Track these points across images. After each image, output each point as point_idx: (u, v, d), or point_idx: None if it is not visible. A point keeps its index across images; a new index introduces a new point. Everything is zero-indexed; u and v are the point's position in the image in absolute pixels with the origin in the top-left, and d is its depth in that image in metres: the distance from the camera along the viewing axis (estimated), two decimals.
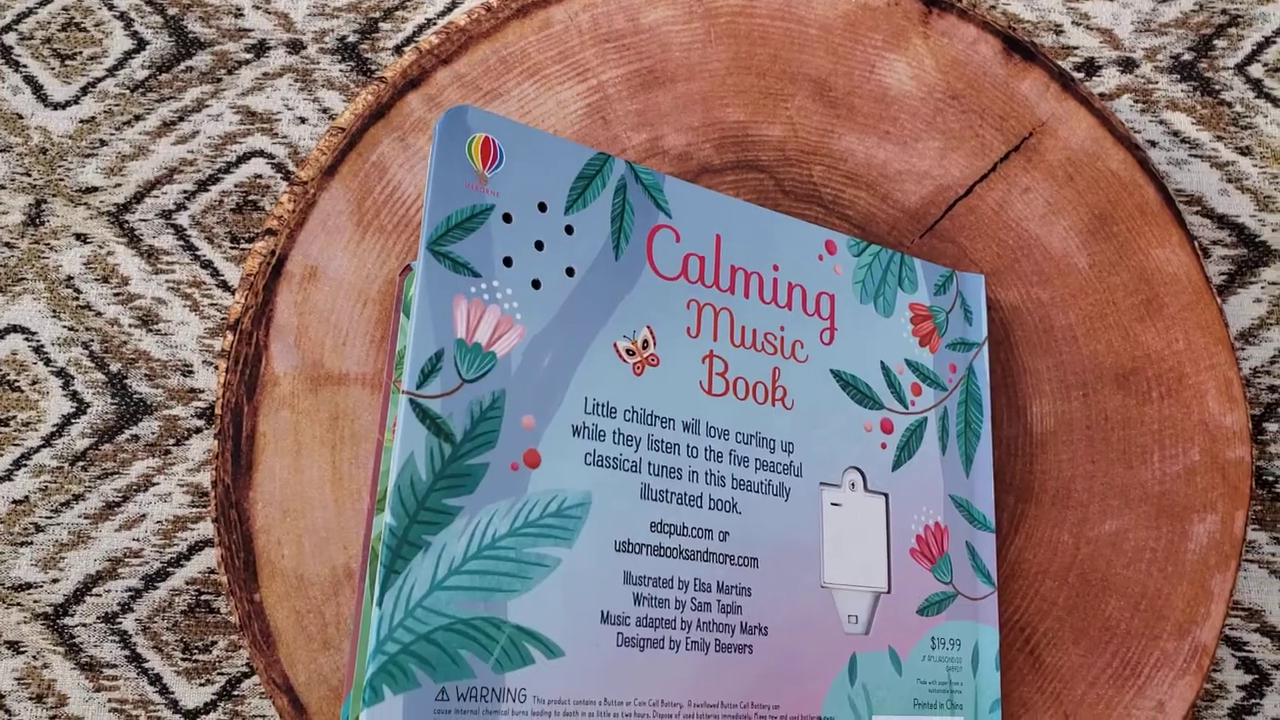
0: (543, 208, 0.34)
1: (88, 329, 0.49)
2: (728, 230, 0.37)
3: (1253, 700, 0.44)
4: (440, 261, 0.31)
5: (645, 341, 0.34)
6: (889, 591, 0.37)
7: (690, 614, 0.33)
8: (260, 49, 0.52)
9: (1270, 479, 0.46)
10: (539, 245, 0.33)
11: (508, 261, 0.33)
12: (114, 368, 0.49)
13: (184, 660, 0.46)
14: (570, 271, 0.34)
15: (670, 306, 0.35)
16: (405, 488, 0.29)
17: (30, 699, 0.45)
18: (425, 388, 0.30)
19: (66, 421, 0.48)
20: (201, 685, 0.46)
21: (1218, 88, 0.50)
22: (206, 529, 0.48)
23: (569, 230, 0.34)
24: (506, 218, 0.33)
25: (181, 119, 0.51)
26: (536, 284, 0.33)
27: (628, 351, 0.34)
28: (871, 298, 0.39)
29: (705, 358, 0.35)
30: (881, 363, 0.39)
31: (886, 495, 0.37)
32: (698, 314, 0.36)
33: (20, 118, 0.51)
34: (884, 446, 0.38)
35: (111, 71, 0.52)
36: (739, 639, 0.34)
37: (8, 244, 0.50)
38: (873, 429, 0.38)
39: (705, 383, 0.35)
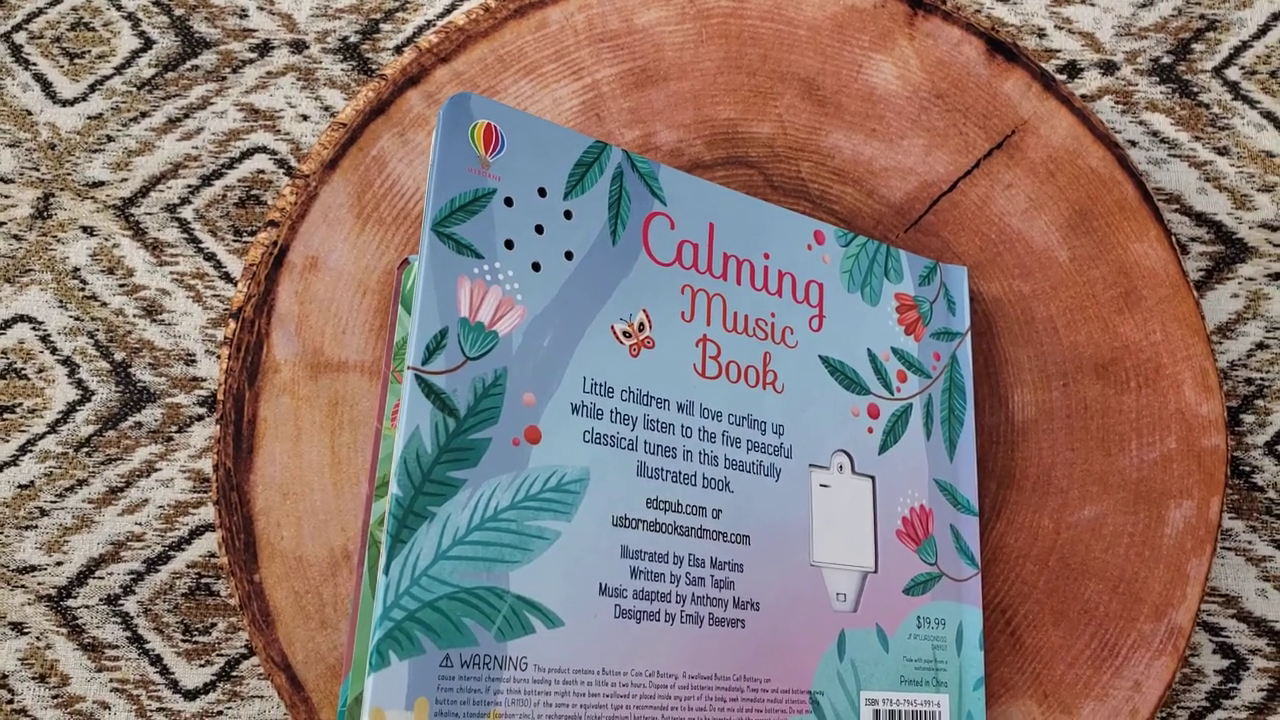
0: (542, 193, 0.35)
1: (93, 319, 0.50)
2: (720, 219, 0.38)
3: (1230, 685, 0.44)
4: (444, 242, 0.32)
5: (641, 324, 0.36)
6: (876, 571, 0.38)
7: (685, 588, 0.34)
8: (264, 49, 0.53)
9: (1246, 469, 0.47)
10: (539, 229, 0.34)
11: (509, 244, 0.34)
12: (118, 356, 0.50)
13: (184, 641, 0.47)
14: (569, 255, 0.35)
15: (665, 291, 0.36)
16: (411, 460, 0.30)
17: (33, 679, 0.46)
18: (430, 364, 0.31)
19: (72, 409, 0.49)
20: (201, 666, 0.47)
21: (1196, 90, 0.51)
22: (207, 514, 0.49)
23: (568, 215, 0.35)
24: (508, 202, 0.34)
25: (187, 116, 0.52)
26: (536, 266, 0.34)
27: (624, 334, 0.35)
28: (859, 287, 0.40)
29: (699, 341, 0.37)
30: (868, 350, 0.40)
31: (873, 478, 0.38)
32: (691, 299, 0.37)
33: (30, 114, 0.53)
34: (870, 431, 0.39)
35: (119, 70, 0.53)
36: (731, 614, 0.34)
37: (16, 236, 0.51)
38: (860, 413, 0.39)
39: (699, 365, 0.36)
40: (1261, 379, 0.48)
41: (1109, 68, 0.52)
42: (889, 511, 0.38)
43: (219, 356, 0.47)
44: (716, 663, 0.34)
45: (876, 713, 0.36)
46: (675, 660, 0.33)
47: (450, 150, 0.33)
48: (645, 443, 0.34)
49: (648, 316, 0.36)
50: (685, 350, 0.36)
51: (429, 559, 0.30)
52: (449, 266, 0.32)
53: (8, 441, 0.49)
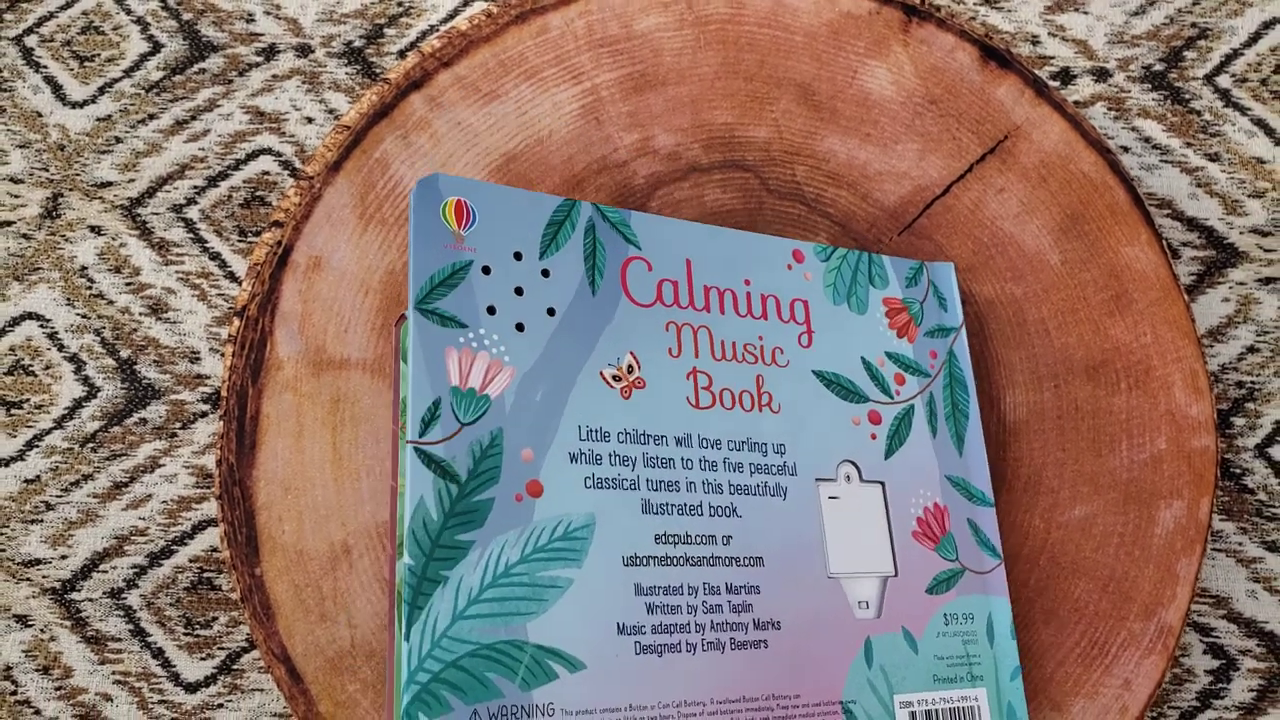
0: (518, 256, 0.36)
1: (100, 316, 0.51)
2: (696, 254, 0.39)
3: (1220, 685, 0.45)
4: (429, 318, 0.34)
5: (630, 366, 0.36)
6: (896, 575, 0.38)
7: (703, 617, 0.34)
8: (270, 52, 0.54)
9: (1237, 471, 0.47)
10: (519, 291, 0.35)
11: (491, 310, 0.35)
12: (124, 354, 0.50)
13: (186, 635, 0.48)
14: (551, 311, 0.36)
15: (650, 331, 0.37)
16: (419, 529, 0.31)
17: (37, 670, 0.47)
18: (427, 435, 0.32)
19: (77, 405, 0.50)
20: (202, 659, 0.47)
21: (1187, 97, 0.52)
22: (210, 509, 0.49)
23: (545, 274, 0.36)
24: (485, 270, 0.35)
25: (194, 118, 0.53)
26: (520, 327, 0.35)
27: (614, 378, 0.36)
28: (844, 298, 0.41)
29: (689, 374, 0.37)
30: (862, 358, 0.40)
31: (883, 483, 0.39)
32: (677, 335, 0.37)
33: (40, 116, 0.54)
34: (874, 437, 0.39)
35: (128, 73, 0.54)
36: (753, 635, 0.35)
37: (25, 235, 0.52)
38: (861, 422, 0.39)
39: (692, 397, 0.37)
40: (1252, 382, 0.48)
41: (1102, 74, 0.52)
42: (902, 514, 0.39)
43: (223, 354, 0.48)
44: (744, 685, 0.34)
45: (913, 714, 0.36)
46: (702, 688, 0.33)
47: (424, 230, 0.34)
48: (647, 480, 0.35)
49: (635, 358, 0.36)
50: (676, 384, 0.37)
51: (447, 621, 0.31)
52: (435, 340, 0.33)
53: (15, 437, 0.49)
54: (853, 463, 0.38)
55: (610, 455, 0.34)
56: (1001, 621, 0.39)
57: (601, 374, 0.36)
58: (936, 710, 0.37)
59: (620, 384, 0.36)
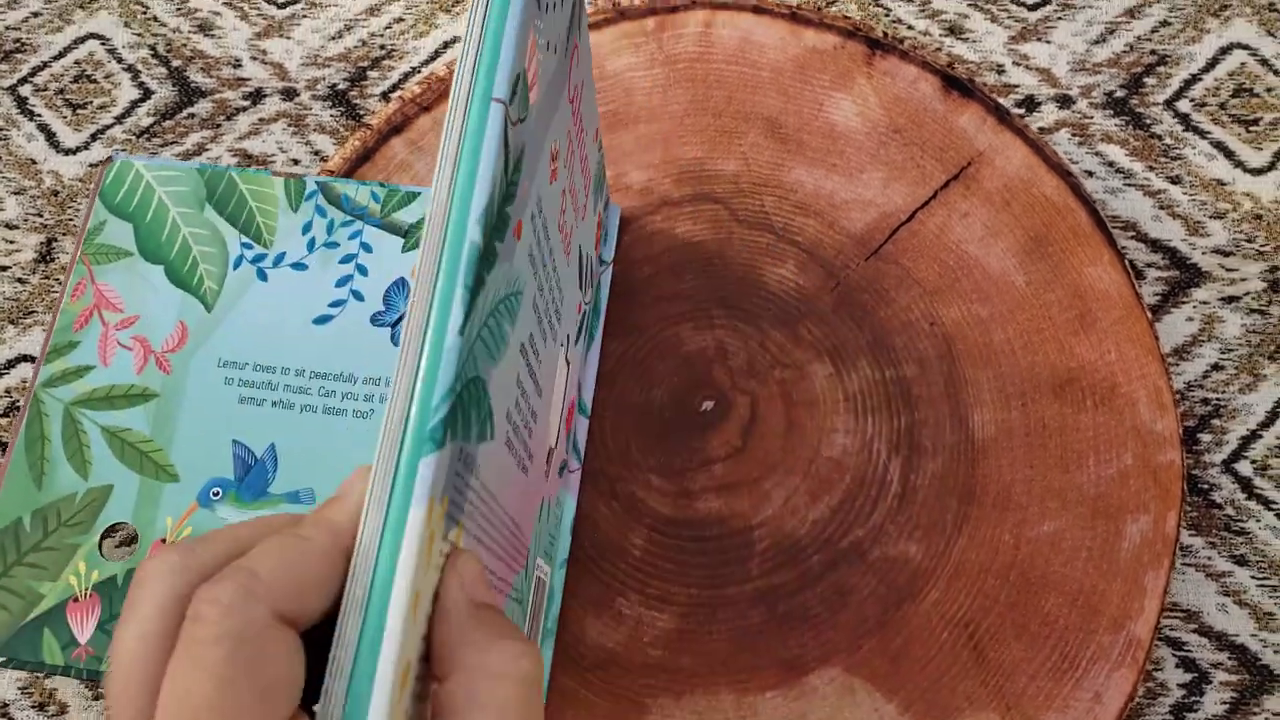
0: None
1: None
2: (585, 79, 0.35)
3: (1193, 698, 0.45)
4: None
5: (557, 152, 0.31)
6: (555, 448, 0.38)
7: (523, 430, 0.31)
8: (256, 96, 0.56)
9: (1204, 487, 0.48)
10: (552, 5, 0.28)
11: (546, 8, 0.27)
12: None
13: None
14: (553, 49, 0.29)
15: (564, 128, 0.32)
16: (489, 210, 0.23)
17: (33, 707, 0.48)
18: (513, 106, 0.24)
19: None
20: None
21: (1149, 122, 0.53)
22: None
23: (563, 2, 0.29)
24: None
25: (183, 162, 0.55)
26: (549, 46, 0.28)
27: (553, 155, 0.30)
28: (593, 192, 0.41)
29: (563, 193, 0.32)
30: (588, 254, 0.41)
31: (570, 365, 0.40)
32: (569, 146, 0.33)
33: (34, 163, 0.55)
34: (575, 324, 0.40)
35: (119, 119, 0.56)
36: (524, 463, 0.32)
37: (20, 279, 0.53)
38: (573, 307, 0.40)
39: (559, 219, 0.32)
40: (1217, 399, 0.49)
41: (1065, 101, 0.54)
42: (564, 399, 0.40)
43: None
44: (517, 509, 0.31)
45: (538, 580, 0.37)
46: (512, 504, 0.30)
47: None
48: (539, 279, 0.30)
49: (558, 146, 0.31)
50: (557, 198, 0.32)
51: (475, 331, 0.23)
52: (529, 9, 0.25)
53: None
54: (569, 338, 0.38)
55: (535, 234, 0.29)
56: (568, 516, 0.43)
57: (553, 146, 0.29)
58: (538, 578, 0.37)
59: (553, 165, 0.30)
